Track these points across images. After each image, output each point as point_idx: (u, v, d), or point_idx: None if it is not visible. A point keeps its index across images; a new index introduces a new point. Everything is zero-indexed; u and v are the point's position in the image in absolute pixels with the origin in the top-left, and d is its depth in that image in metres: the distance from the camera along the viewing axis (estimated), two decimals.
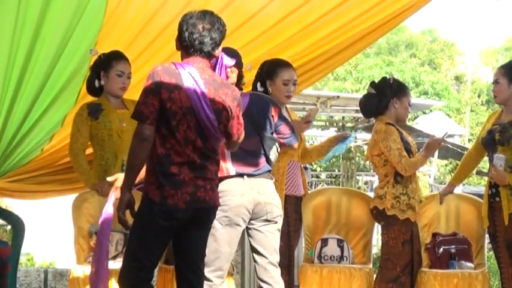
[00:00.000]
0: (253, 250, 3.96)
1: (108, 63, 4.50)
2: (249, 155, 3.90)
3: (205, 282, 3.68)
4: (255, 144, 3.93)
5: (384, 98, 4.65)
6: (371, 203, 4.70)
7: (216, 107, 3.32)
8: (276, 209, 3.91)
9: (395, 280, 4.55)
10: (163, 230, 3.32)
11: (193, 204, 3.30)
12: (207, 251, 3.60)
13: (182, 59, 3.38)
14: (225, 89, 3.37)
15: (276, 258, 3.94)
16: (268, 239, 3.92)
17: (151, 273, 3.43)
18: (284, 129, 4.11)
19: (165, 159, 3.26)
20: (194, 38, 3.31)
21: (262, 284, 3.94)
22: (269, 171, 4.01)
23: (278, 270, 3.94)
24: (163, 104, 3.24)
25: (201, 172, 3.32)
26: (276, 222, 3.95)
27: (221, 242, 3.85)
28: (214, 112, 3.31)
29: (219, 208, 3.57)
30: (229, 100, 3.37)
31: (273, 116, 4.05)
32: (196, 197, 3.30)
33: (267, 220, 3.91)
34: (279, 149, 4.10)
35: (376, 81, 4.85)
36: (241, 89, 4.22)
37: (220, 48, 3.43)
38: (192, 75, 3.28)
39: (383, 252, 4.65)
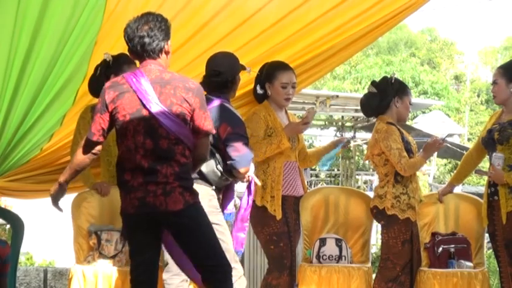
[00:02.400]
0: None
1: (119, 68, 4.47)
2: None
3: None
4: None
5: (385, 97, 4.65)
6: (371, 203, 4.70)
7: (165, 103, 3.33)
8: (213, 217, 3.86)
9: (395, 279, 4.56)
10: (132, 232, 3.44)
11: (142, 209, 3.33)
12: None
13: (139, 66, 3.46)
14: (174, 83, 3.36)
15: None
16: None
17: (146, 274, 3.44)
18: (232, 150, 3.94)
19: (119, 167, 3.41)
20: (136, 43, 3.38)
21: None
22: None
23: None
24: (112, 118, 3.38)
25: (152, 177, 3.32)
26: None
27: None
28: (165, 108, 3.32)
29: None
30: (180, 92, 3.35)
31: (219, 133, 3.95)
32: (145, 202, 3.32)
33: None
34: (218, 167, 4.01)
35: (377, 80, 4.85)
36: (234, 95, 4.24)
37: (169, 41, 3.44)
38: (137, 80, 3.34)
39: (383, 251, 4.65)
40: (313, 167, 15.47)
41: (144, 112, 3.31)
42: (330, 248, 4.80)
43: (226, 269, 3.44)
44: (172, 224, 3.38)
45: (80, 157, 3.50)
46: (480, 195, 4.88)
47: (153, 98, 3.31)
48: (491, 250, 4.81)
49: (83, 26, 4.32)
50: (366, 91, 4.96)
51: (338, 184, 15.29)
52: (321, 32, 4.90)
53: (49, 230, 10.44)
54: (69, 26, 4.29)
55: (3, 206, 6.97)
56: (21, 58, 4.32)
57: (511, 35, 44.29)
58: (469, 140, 26.35)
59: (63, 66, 4.51)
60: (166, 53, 3.45)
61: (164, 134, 3.31)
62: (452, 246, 4.79)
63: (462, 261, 4.76)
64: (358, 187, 16.04)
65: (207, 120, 3.43)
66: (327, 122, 13.97)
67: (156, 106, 3.31)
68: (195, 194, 3.41)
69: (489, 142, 4.60)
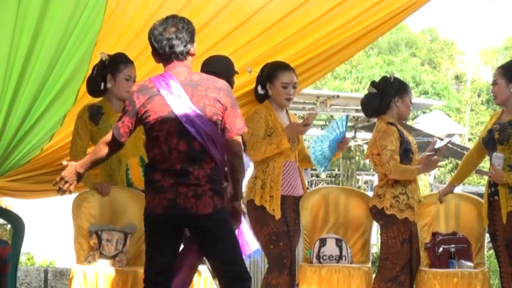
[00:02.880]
0: None
1: (116, 67, 4.49)
2: None
3: None
4: None
5: (386, 97, 4.65)
6: (370, 202, 4.70)
7: (198, 105, 3.34)
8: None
9: (394, 279, 4.56)
10: (155, 232, 3.43)
11: (171, 211, 3.33)
12: None
13: (164, 69, 3.45)
14: (205, 84, 3.38)
15: None
16: None
17: (162, 276, 3.46)
18: None
19: (150, 168, 3.40)
20: (164, 45, 3.38)
21: None
22: None
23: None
24: (143, 121, 3.38)
25: (183, 178, 3.33)
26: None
27: None
28: (198, 110, 3.33)
29: None
30: (211, 92, 3.37)
31: None
32: (175, 204, 3.32)
33: None
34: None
35: (376, 80, 4.85)
36: None
37: (195, 44, 3.45)
38: (166, 82, 3.35)
39: (382, 251, 4.65)
40: (313, 167, 15.49)
41: (177, 114, 3.31)
42: (330, 248, 4.79)
43: (246, 276, 3.45)
44: (199, 228, 3.39)
45: (104, 152, 3.49)
46: (481, 195, 4.87)
47: (185, 100, 3.32)
48: (492, 250, 4.80)
49: (84, 26, 4.32)
50: (366, 91, 4.95)
51: (339, 184, 15.28)
52: (322, 32, 4.90)
53: (50, 230, 10.44)
54: (70, 26, 4.29)
55: (3, 206, 6.98)
56: (21, 58, 4.33)
57: (511, 35, 44.26)
58: (469, 140, 26.35)
59: (63, 66, 4.51)
60: (192, 55, 3.47)
61: (198, 135, 3.32)
62: (453, 246, 4.79)
63: (463, 261, 4.75)
64: (359, 187, 16.04)
65: (238, 118, 3.44)
66: (327, 122, 13.94)
67: (189, 108, 3.32)
68: (223, 198, 3.41)
69: (489, 142, 4.60)
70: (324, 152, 4.69)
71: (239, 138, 3.48)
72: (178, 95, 3.32)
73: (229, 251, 3.42)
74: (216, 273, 3.48)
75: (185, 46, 3.40)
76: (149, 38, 3.43)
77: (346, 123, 4.68)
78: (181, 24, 3.41)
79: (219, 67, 4.22)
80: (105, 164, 4.58)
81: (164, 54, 3.40)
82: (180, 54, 3.39)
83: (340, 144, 4.68)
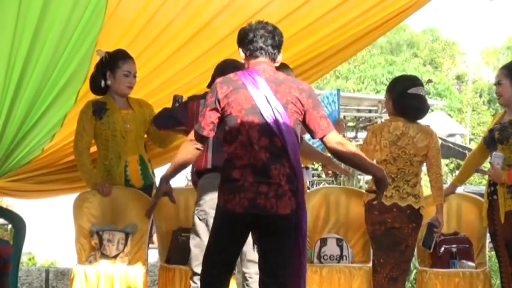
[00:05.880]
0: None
1: (114, 64, 4.50)
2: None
3: (193, 277, 3.92)
4: None
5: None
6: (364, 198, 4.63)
7: (282, 101, 3.34)
8: None
9: (392, 277, 4.53)
10: (227, 232, 3.38)
11: (251, 210, 3.29)
12: (191, 246, 3.90)
13: (248, 66, 3.46)
14: (288, 83, 3.40)
15: (254, 254, 3.90)
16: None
17: (225, 274, 3.43)
18: None
19: (228, 164, 3.36)
20: (256, 44, 3.42)
21: (245, 275, 4.01)
22: None
23: (256, 265, 3.94)
24: (224, 112, 3.35)
25: (264, 177, 3.29)
26: None
27: (202, 236, 3.96)
28: (281, 106, 3.33)
29: (196, 203, 3.74)
30: (294, 92, 3.37)
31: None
32: (255, 203, 3.29)
33: None
34: None
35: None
36: None
37: (281, 54, 3.51)
38: (252, 77, 3.36)
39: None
40: (315, 167, 15.48)
41: (261, 108, 3.31)
42: (331, 248, 4.79)
43: (285, 282, 3.41)
44: (276, 228, 3.34)
45: (186, 153, 3.49)
46: (482, 195, 4.87)
47: (269, 95, 3.33)
48: (493, 250, 4.80)
49: (84, 26, 4.33)
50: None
51: (340, 184, 15.29)
52: (323, 32, 4.91)
53: (51, 230, 10.46)
54: (70, 26, 4.30)
55: (4, 206, 6.99)
56: (22, 59, 4.33)
57: None
58: (471, 140, 26.33)
59: (64, 67, 4.52)
60: (277, 61, 3.50)
61: (279, 132, 3.31)
62: (454, 246, 4.78)
63: (464, 261, 4.75)
64: (360, 187, 16.03)
65: (322, 119, 3.41)
66: None
67: (273, 103, 3.32)
68: (297, 199, 3.37)
69: (490, 141, 4.61)
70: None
71: (330, 136, 3.41)
72: (263, 90, 3.33)
73: (287, 254, 3.39)
74: (266, 275, 3.39)
75: (275, 48, 3.46)
76: (243, 35, 3.47)
77: (338, 98, 4.59)
78: (277, 30, 3.49)
79: (216, 69, 4.20)
80: (104, 158, 4.60)
81: (253, 51, 3.44)
82: (270, 54, 3.45)
83: (335, 126, 4.61)
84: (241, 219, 3.32)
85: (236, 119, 3.32)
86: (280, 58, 3.51)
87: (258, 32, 3.42)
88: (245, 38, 3.44)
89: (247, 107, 3.32)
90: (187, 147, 3.48)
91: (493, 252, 4.81)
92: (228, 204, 3.32)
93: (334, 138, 3.42)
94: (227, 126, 3.36)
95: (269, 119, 3.30)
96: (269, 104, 3.32)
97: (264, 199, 3.28)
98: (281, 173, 3.31)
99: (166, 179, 3.75)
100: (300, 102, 3.37)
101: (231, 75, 3.42)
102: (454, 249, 4.77)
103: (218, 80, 3.43)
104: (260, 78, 3.36)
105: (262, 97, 3.32)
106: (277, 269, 3.37)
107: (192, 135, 3.47)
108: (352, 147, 3.47)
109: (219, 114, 3.37)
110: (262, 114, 3.31)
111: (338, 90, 4.57)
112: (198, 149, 3.48)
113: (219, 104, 3.35)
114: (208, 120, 3.39)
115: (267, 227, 3.35)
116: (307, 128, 3.44)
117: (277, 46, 3.46)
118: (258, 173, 3.29)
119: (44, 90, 4.58)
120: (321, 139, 3.43)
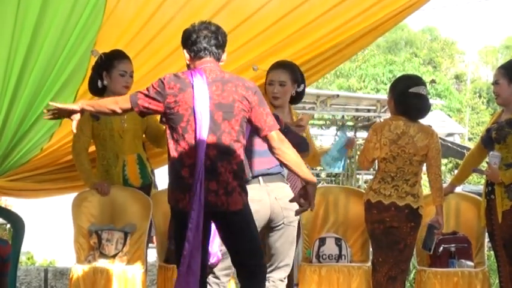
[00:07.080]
0: (268, 253, 4.00)
1: (110, 64, 4.50)
2: (261, 153, 3.90)
3: (214, 280, 3.91)
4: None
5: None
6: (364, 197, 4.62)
7: (227, 100, 3.37)
8: (293, 213, 3.86)
9: (391, 276, 4.53)
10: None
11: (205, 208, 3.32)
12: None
13: (194, 67, 3.47)
14: (234, 82, 3.43)
15: (288, 261, 4.02)
16: (282, 243, 3.99)
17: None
18: None
19: (177, 163, 3.37)
20: (200, 45, 3.45)
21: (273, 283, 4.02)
22: (281, 173, 4.02)
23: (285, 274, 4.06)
24: (170, 110, 3.36)
25: (212, 175, 3.33)
26: (294, 227, 4.02)
27: None
28: (226, 107, 3.36)
29: None
30: (241, 90, 3.41)
31: None
32: (206, 201, 3.31)
33: (283, 224, 3.97)
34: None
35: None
36: None
37: (225, 53, 3.53)
38: (198, 77, 3.38)
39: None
40: (313, 168, 15.49)
41: (208, 107, 3.34)
42: (330, 248, 4.79)
43: (264, 269, 3.56)
44: (230, 223, 3.42)
45: (112, 107, 3.47)
46: (481, 194, 4.87)
47: (216, 94, 3.36)
48: (492, 249, 4.80)
49: (83, 26, 4.33)
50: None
51: (339, 183, 15.28)
52: (322, 31, 4.91)
53: (50, 230, 10.47)
54: (69, 26, 4.30)
55: (3, 206, 6.98)
56: (21, 58, 4.33)
57: (511, 34, 44.30)
58: (469, 139, 26.32)
59: (63, 66, 4.52)
60: (222, 61, 3.54)
61: (227, 130, 3.36)
62: (453, 245, 4.78)
63: (463, 260, 4.75)
64: (359, 186, 16.03)
65: (268, 116, 3.45)
66: (327, 122, 13.96)
67: (219, 102, 3.36)
68: (247, 193, 3.45)
69: (488, 141, 4.61)
70: (334, 157, 4.67)
71: (274, 134, 3.45)
72: (208, 89, 3.36)
73: (253, 244, 3.47)
74: (239, 266, 3.51)
75: (219, 48, 3.49)
76: (187, 37, 3.50)
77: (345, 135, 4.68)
78: (221, 30, 3.52)
79: None
80: (102, 158, 4.61)
81: (197, 52, 3.47)
82: (215, 54, 3.48)
83: (346, 146, 4.65)
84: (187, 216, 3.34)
85: (183, 117, 3.35)
86: (224, 57, 3.54)
87: (201, 33, 3.45)
88: (188, 39, 3.48)
89: (194, 105, 3.34)
90: (112, 106, 3.47)
91: (492, 252, 4.82)
92: (179, 203, 3.36)
93: (278, 137, 3.46)
94: (174, 125, 3.38)
95: (214, 117, 3.34)
96: (216, 102, 3.35)
97: (215, 197, 3.34)
98: (227, 169, 3.35)
99: (82, 104, 3.53)
100: (247, 99, 3.41)
101: (180, 73, 3.46)
102: (452, 249, 4.77)
103: (167, 75, 3.44)
104: (206, 78, 3.39)
105: (209, 96, 3.35)
106: (247, 259, 3.46)
107: (126, 99, 3.45)
108: (293, 149, 3.50)
109: (161, 108, 3.38)
110: (208, 113, 3.34)
111: (344, 132, 4.68)
112: (115, 112, 3.48)
113: (163, 99, 3.36)
114: (146, 103, 3.38)
115: (223, 223, 3.43)
116: (253, 126, 3.46)
117: (221, 46, 3.50)
118: (206, 171, 3.31)
119: (43, 90, 4.58)
120: (265, 136, 3.45)
